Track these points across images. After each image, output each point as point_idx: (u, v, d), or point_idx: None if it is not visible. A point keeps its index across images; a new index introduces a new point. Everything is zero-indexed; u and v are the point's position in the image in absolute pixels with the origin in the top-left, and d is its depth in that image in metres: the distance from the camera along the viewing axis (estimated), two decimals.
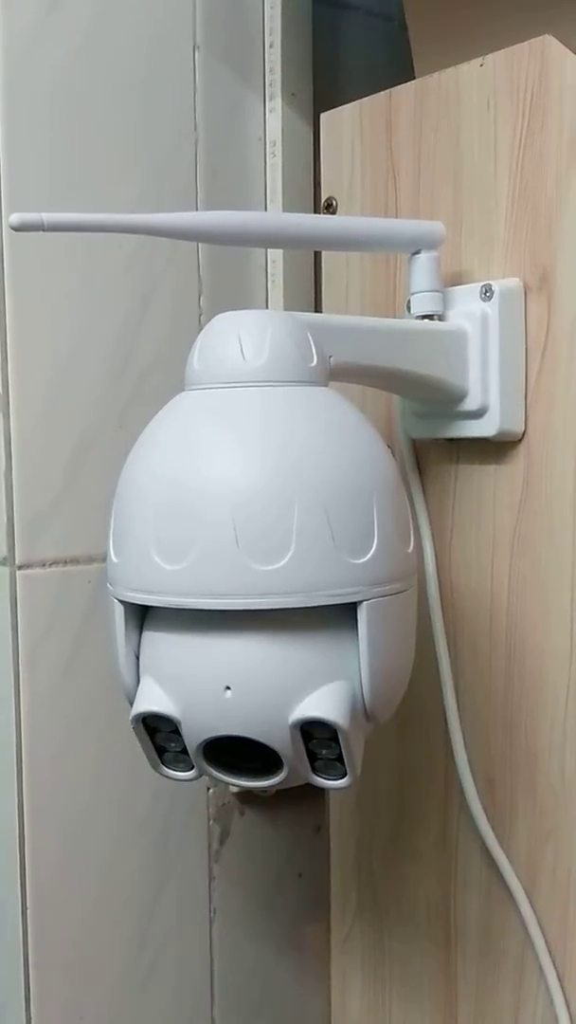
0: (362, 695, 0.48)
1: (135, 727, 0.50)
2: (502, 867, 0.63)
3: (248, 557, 0.45)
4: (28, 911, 0.66)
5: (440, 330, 0.60)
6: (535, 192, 0.59)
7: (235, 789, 0.76)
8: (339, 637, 0.47)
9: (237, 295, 0.74)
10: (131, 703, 0.51)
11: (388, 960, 0.74)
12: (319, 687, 0.47)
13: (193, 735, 0.48)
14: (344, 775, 0.49)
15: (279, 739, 0.47)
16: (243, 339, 0.48)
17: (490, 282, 0.59)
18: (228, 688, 0.46)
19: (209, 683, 0.47)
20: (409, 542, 0.50)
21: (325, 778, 0.49)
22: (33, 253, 0.64)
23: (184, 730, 0.48)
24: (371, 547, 0.47)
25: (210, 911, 0.75)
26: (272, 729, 0.47)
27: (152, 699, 0.48)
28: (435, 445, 0.66)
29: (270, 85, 0.75)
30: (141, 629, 0.50)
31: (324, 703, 0.47)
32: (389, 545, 0.47)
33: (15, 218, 0.47)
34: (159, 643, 0.49)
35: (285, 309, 0.74)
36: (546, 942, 0.62)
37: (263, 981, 0.79)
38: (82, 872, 0.68)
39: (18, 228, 0.47)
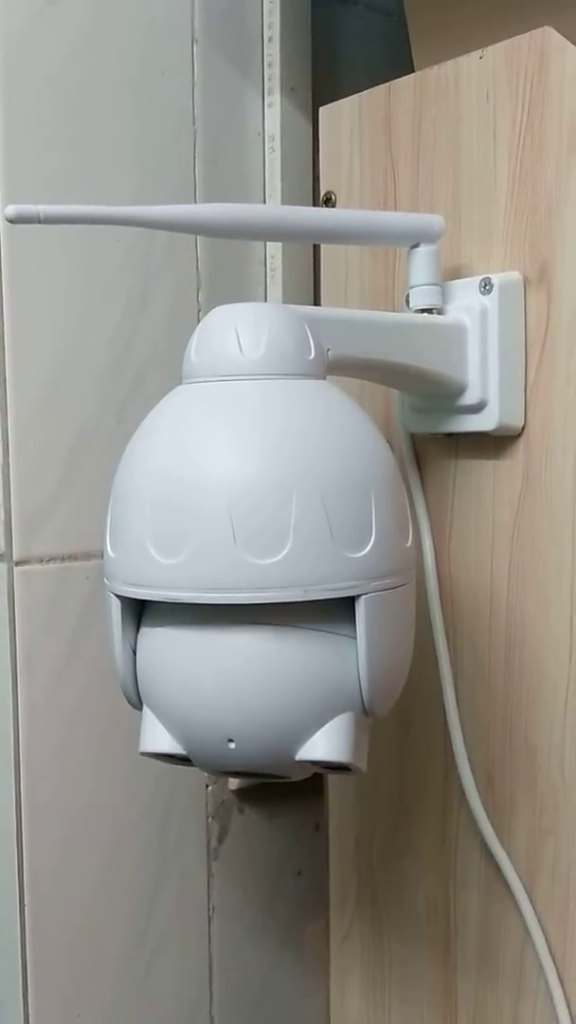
0: (360, 690, 0.48)
1: (144, 755, 0.51)
2: (502, 865, 0.63)
3: (245, 551, 0.44)
4: (26, 908, 0.65)
5: (439, 324, 0.59)
6: (535, 184, 0.59)
7: (234, 786, 0.75)
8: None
9: (236, 290, 0.74)
10: (129, 701, 0.51)
11: (387, 958, 0.74)
12: (322, 724, 0.47)
13: (203, 767, 0.50)
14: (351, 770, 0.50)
15: (286, 769, 0.49)
16: (240, 332, 0.48)
17: (489, 275, 0.59)
18: (231, 740, 0.47)
19: (212, 735, 0.48)
20: (408, 536, 0.50)
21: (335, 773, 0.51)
22: (31, 247, 0.64)
23: (194, 762, 0.50)
24: (369, 541, 0.46)
25: (209, 909, 0.75)
26: (279, 766, 0.49)
27: (159, 741, 0.49)
28: (434, 440, 0.65)
29: (269, 79, 0.74)
30: (139, 625, 0.50)
31: (329, 745, 0.47)
32: (387, 539, 0.47)
33: (11, 209, 0.47)
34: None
35: (284, 303, 0.74)
36: (546, 940, 0.62)
37: (262, 979, 0.79)
38: (80, 869, 0.68)
39: (14, 220, 0.47)
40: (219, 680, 0.47)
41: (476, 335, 0.59)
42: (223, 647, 0.46)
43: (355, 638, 0.47)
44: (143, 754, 0.50)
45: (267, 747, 0.48)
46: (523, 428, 0.60)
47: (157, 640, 0.48)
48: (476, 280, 0.59)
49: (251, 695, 0.46)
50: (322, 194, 0.71)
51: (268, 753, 0.48)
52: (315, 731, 0.48)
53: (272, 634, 0.46)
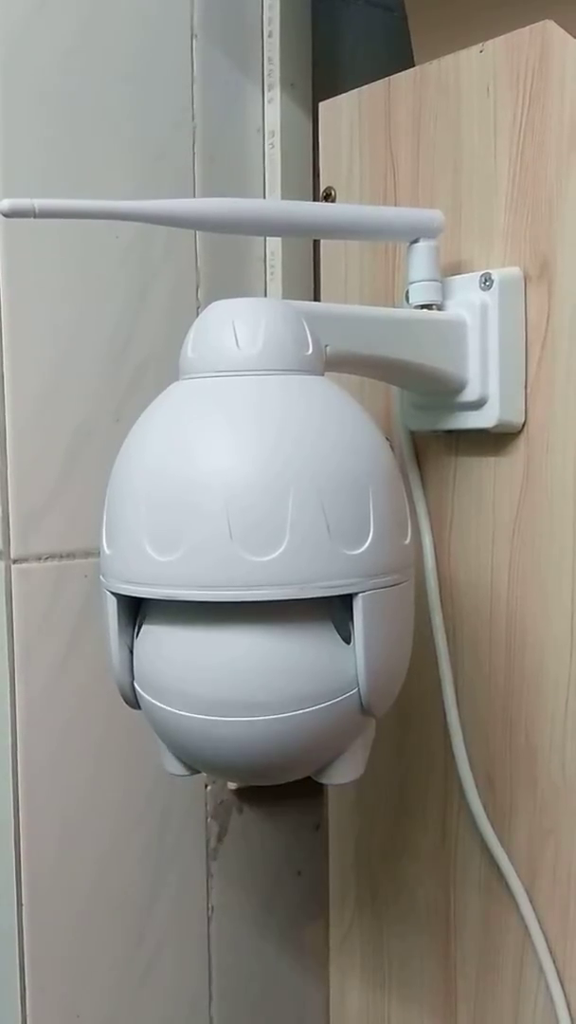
0: (359, 688, 0.47)
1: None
2: (502, 865, 0.63)
3: (242, 548, 0.44)
4: (24, 908, 0.65)
5: (439, 320, 0.59)
6: (535, 179, 0.58)
7: (233, 786, 0.75)
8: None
9: (235, 286, 0.74)
10: (125, 699, 0.51)
11: (387, 959, 0.73)
12: (333, 760, 0.49)
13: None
14: None
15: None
16: (237, 327, 0.48)
17: (490, 271, 0.59)
18: (246, 780, 0.49)
19: (222, 775, 0.52)
20: (406, 533, 0.49)
21: None
22: (29, 244, 0.63)
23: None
24: (367, 538, 0.46)
25: (208, 909, 0.75)
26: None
27: (174, 766, 0.52)
28: (434, 437, 0.65)
29: (269, 75, 0.74)
30: (136, 623, 0.49)
31: (340, 773, 0.50)
32: (385, 536, 0.47)
33: (6, 203, 0.47)
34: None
35: (284, 300, 0.73)
36: (546, 940, 0.61)
37: (262, 980, 0.78)
38: (78, 869, 0.68)
39: (8, 214, 0.47)
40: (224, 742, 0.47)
41: (476, 331, 0.59)
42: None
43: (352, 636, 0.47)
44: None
45: (279, 779, 0.51)
46: (523, 425, 0.60)
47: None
48: (476, 276, 0.59)
49: (257, 759, 0.47)
50: (322, 190, 0.71)
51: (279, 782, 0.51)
52: (329, 761, 0.49)
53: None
